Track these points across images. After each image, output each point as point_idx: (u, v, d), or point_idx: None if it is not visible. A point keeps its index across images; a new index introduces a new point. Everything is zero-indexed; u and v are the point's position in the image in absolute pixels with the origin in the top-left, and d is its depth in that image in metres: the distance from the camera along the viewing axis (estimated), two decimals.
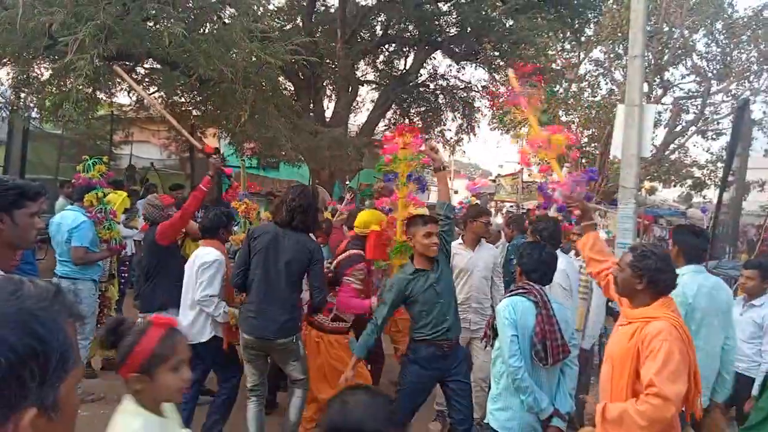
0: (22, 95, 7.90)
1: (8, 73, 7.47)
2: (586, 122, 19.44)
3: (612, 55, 18.78)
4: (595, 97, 19.61)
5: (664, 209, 18.83)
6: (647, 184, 20.43)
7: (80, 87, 5.89)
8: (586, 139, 20.32)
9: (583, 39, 13.46)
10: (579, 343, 3.89)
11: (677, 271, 3.21)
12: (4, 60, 7.01)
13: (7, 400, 0.61)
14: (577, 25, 11.63)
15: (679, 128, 20.01)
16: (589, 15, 11.72)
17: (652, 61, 17.39)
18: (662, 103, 19.53)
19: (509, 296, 3.10)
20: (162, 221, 4.49)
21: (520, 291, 3.06)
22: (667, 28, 17.78)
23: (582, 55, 19.31)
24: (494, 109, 13.52)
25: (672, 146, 20.14)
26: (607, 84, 19.65)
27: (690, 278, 3.36)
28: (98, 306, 5.37)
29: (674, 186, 21.74)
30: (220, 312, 3.91)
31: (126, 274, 7.22)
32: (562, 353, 2.95)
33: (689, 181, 20.87)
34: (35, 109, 8.53)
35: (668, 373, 2.30)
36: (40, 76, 7.54)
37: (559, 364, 3.02)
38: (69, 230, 4.73)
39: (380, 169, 4.51)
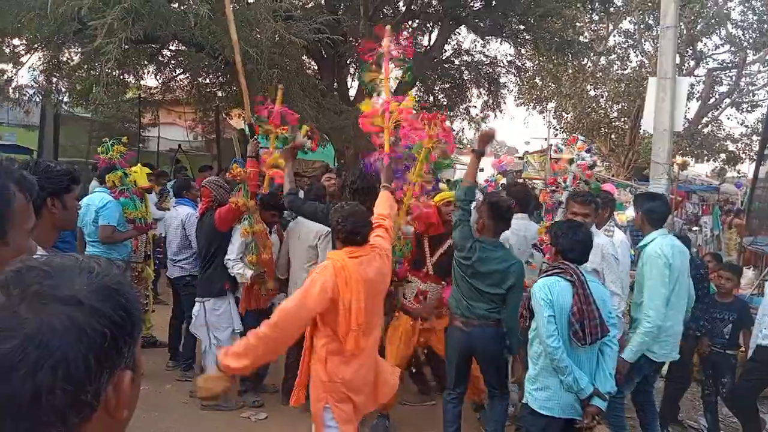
0: (54, 80, 8.06)
1: (40, 59, 7.61)
2: (616, 96, 19.06)
3: (642, 26, 18.25)
4: (624, 70, 19.18)
5: (696, 185, 18.37)
6: (679, 159, 19.92)
7: (109, 71, 5.97)
8: (615, 114, 19.92)
9: (612, 10, 13.06)
10: (618, 321, 3.80)
11: (647, 237, 3.67)
12: (36, 45, 7.14)
13: (110, 366, 0.69)
14: None
15: (712, 101, 19.47)
16: None
17: (685, 32, 16.86)
18: (695, 75, 18.98)
19: (545, 276, 3.07)
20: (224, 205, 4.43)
21: (556, 271, 3.02)
22: None
23: (611, 27, 18.82)
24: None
25: (705, 119, 19.64)
26: (637, 56, 19.18)
27: (663, 240, 3.62)
28: (134, 286, 5.52)
29: (707, 161, 21.26)
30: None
31: (160, 255, 7.37)
32: (600, 332, 2.92)
33: (723, 156, 20.38)
34: (66, 94, 8.70)
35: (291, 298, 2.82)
36: (70, 61, 7.67)
37: (597, 344, 2.99)
38: (96, 210, 4.84)
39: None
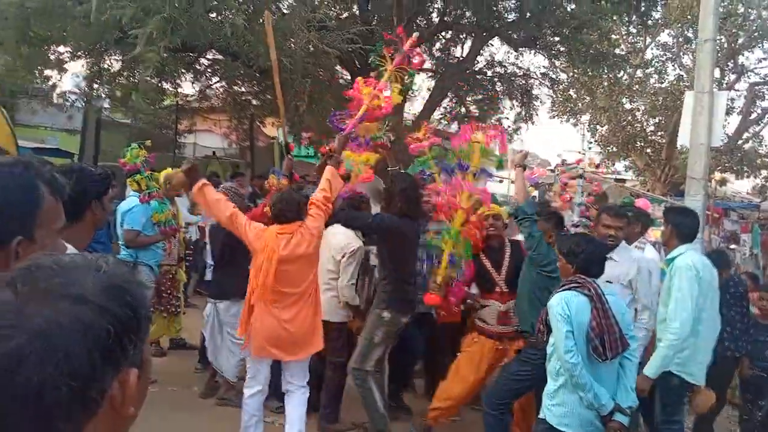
0: (95, 86, 8.33)
1: (83, 66, 7.88)
2: (652, 110, 18.68)
3: (681, 39, 17.89)
4: (662, 83, 18.80)
5: (736, 201, 17.83)
6: (718, 175, 19.41)
7: (148, 78, 6.15)
8: (651, 127, 19.52)
9: (649, 22, 12.85)
10: (647, 335, 3.74)
11: (675, 250, 3.62)
12: (79, 53, 7.40)
13: (115, 363, 0.70)
14: (643, 8, 11.10)
15: (754, 116, 18.92)
16: None
17: (725, 45, 16.46)
18: (735, 89, 18.49)
19: (561, 291, 3.00)
20: (243, 211, 4.52)
21: (573, 285, 2.97)
22: (742, 9, 16.74)
23: (648, 40, 18.49)
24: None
25: (746, 135, 19.08)
26: (675, 69, 18.78)
27: (694, 254, 3.63)
28: (167, 288, 5.61)
29: (747, 177, 20.59)
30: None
31: (191, 259, 7.49)
32: (621, 346, 2.86)
33: (765, 172, 19.75)
34: (107, 100, 8.98)
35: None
36: (111, 68, 7.92)
37: (617, 358, 2.93)
38: (122, 214, 4.96)
39: (433, 156, 4.47)
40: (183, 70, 9.44)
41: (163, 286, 5.53)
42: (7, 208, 1.09)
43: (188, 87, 11.09)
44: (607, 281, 3.77)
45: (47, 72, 7.96)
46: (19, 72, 6.70)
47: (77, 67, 7.97)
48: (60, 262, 0.74)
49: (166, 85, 9.17)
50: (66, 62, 7.66)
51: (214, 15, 6.68)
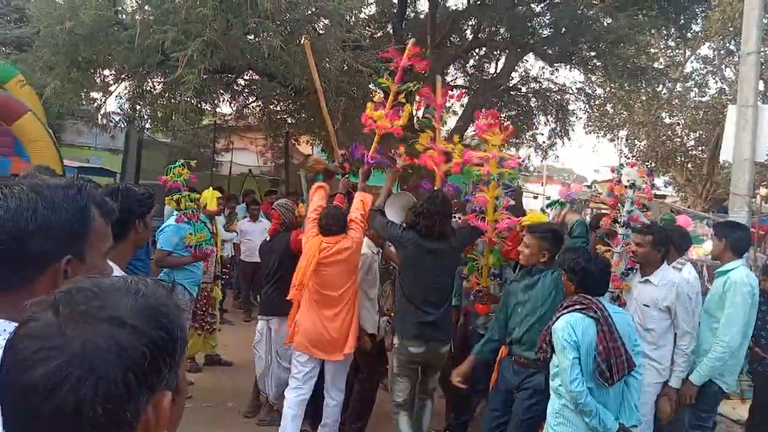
0: (138, 107, 8.61)
1: (126, 88, 8.16)
2: (693, 124, 18.23)
3: (722, 52, 17.47)
4: (702, 97, 18.36)
5: None
6: (762, 191, 18.71)
7: (188, 99, 6.32)
8: (692, 142, 19.05)
9: (689, 35, 12.60)
10: (688, 359, 3.65)
11: (729, 264, 3.66)
12: (123, 75, 7.68)
13: (150, 386, 0.71)
14: (683, 21, 10.91)
15: None
16: (697, 10, 10.95)
17: None
18: None
19: (566, 313, 2.87)
20: (294, 227, 4.57)
21: (578, 307, 2.84)
22: None
23: (688, 53, 18.12)
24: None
25: None
26: (716, 83, 18.33)
27: (748, 271, 3.71)
28: (203, 306, 5.68)
29: None
30: None
31: (227, 276, 7.58)
32: (627, 368, 2.78)
33: None
34: (148, 120, 9.27)
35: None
36: (153, 90, 8.18)
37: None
38: (157, 233, 4.96)
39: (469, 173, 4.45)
40: (221, 91, 9.69)
41: (198, 303, 5.59)
42: (59, 226, 1.13)
43: (226, 107, 11.37)
44: (645, 305, 3.68)
45: (93, 94, 8.27)
46: (67, 94, 6.97)
47: (121, 89, 8.26)
48: (100, 284, 0.76)
49: (205, 106, 9.42)
50: (111, 84, 7.95)
51: (251, 37, 6.85)
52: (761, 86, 15.84)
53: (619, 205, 3.93)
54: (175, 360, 0.75)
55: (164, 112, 8.30)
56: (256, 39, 6.84)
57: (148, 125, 9.86)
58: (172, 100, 7.76)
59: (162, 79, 7.94)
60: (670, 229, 4.24)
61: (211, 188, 5.90)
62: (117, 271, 1.76)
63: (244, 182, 13.72)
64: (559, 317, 2.90)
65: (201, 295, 5.59)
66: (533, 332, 3.35)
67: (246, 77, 9.87)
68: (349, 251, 3.93)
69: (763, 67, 14.09)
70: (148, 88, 8.16)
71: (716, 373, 3.58)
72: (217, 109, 11.05)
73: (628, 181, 3.87)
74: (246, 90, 10.61)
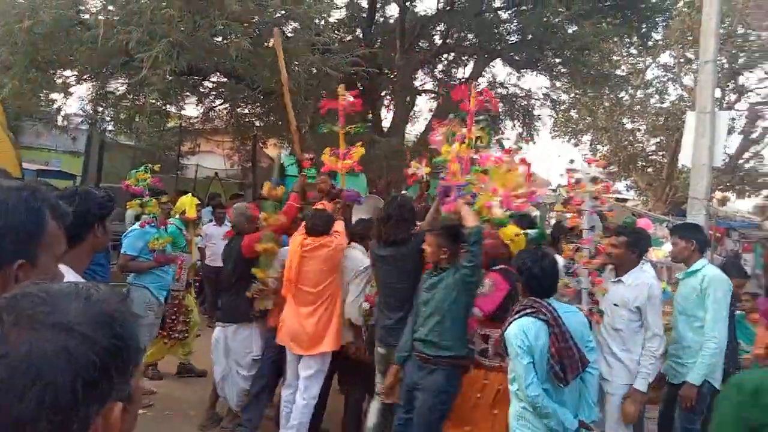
0: (100, 109, 8.41)
1: (88, 89, 7.97)
2: (654, 129, 18.77)
3: (681, 60, 18.04)
4: (663, 103, 18.92)
5: (737, 221, 17.77)
6: (719, 195, 19.39)
7: (152, 101, 6.21)
8: (653, 147, 19.61)
9: (650, 44, 12.98)
10: (657, 362, 3.67)
11: (696, 264, 3.75)
12: (86, 76, 7.49)
13: (100, 395, 0.67)
14: (644, 30, 11.23)
15: (755, 135, 18.98)
16: (658, 19, 11.29)
17: (726, 66, 16.59)
18: (736, 109, 18.55)
19: (517, 318, 2.83)
20: (249, 232, 4.43)
21: (528, 311, 2.81)
22: (742, 30, 16.90)
23: (649, 61, 18.65)
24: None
25: (747, 154, 19.11)
26: (676, 90, 18.91)
27: (714, 268, 3.84)
28: (174, 313, 5.53)
29: (749, 197, 20.59)
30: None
31: (199, 282, 7.41)
32: (581, 366, 2.80)
33: (766, 191, 19.75)
34: (111, 122, 9.07)
35: None
36: (116, 91, 8.01)
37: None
38: (122, 238, 4.88)
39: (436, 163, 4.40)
40: (187, 93, 9.55)
41: (168, 311, 5.44)
42: (11, 230, 1.09)
43: (192, 109, 11.20)
44: (615, 304, 3.68)
45: (53, 95, 8.04)
46: (25, 95, 6.76)
47: (82, 90, 8.07)
48: (48, 290, 0.72)
49: (171, 108, 9.26)
50: (71, 85, 7.74)
51: (219, 39, 6.77)
52: (718, 93, 16.43)
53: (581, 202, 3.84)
54: (127, 369, 0.71)
55: (128, 114, 8.14)
56: (224, 41, 6.76)
57: (110, 127, 9.64)
58: (136, 102, 7.61)
59: (126, 81, 7.78)
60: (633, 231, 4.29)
61: (190, 195, 5.71)
62: (73, 276, 1.70)
63: (209, 186, 13.52)
64: (511, 323, 2.85)
65: (171, 303, 5.45)
66: (434, 331, 3.30)
67: (213, 79, 9.75)
68: (327, 250, 4.01)
69: (720, 75, 14.61)
70: (112, 90, 7.98)
71: (710, 371, 3.60)
72: (183, 112, 10.88)
73: (586, 175, 3.81)
74: (213, 92, 10.48)
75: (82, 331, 0.67)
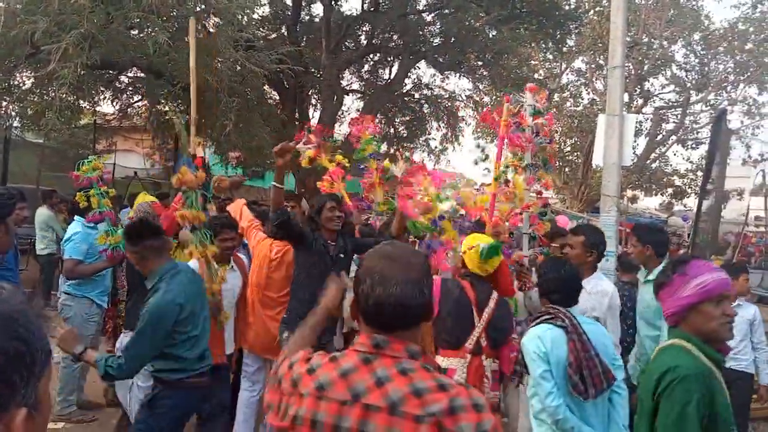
0: (4, 104, 7.83)
1: None
2: (569, 131, 19.77)
3: (593, 66, 19.11)
4: (577, 106, 19.96)
5: (645, 217, 19.04)
6: (629, 193, 20.71)
7: (63, 96, 5.85)
8: (568, 148, 20.62)
9: (564, 49, 13.66)
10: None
11: (656, 271, 3.42)
12: None
13: (2, 400, 0.63)
14: (558, 36, 11.81)
15: (659, 137, 20.37)
16: (571, 26, 11.90)
17: (633, 72, 17.72)
18: (643, 113, 19.86)
19: (534, 325, 2.69)
20: None
21: (545, 318, 2.66)
22: (646, 39, 18.13)
23: (564, 66, 19.63)
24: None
25: (653, 155, 20.49)
26: (588, 94, 20.01)
27: None
28: (113, 323, 5.07)
29: (656, 194, 22.08)
30: None
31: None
32: (605, 381, 2.54)
33: (670, 190, 21.23)
34: (17, 118, 8.46)
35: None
36: (22, 85, 7.48)
37: (605, 393, 2.61)
38: (63, 242, 4.41)
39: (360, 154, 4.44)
40: (102, 88, 9.08)
41: (111, 320, 4.95)
42: None
43: (107, 105, 10.65)
44: None
45: None
46: None
47: None
48: None
49: (83, 103, 8.76)
50: None
51: (135, 32, 6.48)
52: (626, 97, 17.52)
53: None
54: (33, 373, 0.67)
55: (36, 110, 7.61)
56: (141, 34, 6.48)
57: (16, 123, 8.99)
58: (45, 97, 7.14)
59: (32, 74, 7.28)
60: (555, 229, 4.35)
61: (144, 192, 5.02)
62: None
63: (128, 186, 12.92)
64: (528, 331, 2.71)
65: (115, 311, 4.93)
66: None
67: (130, 74, 9.32)
68: (293, 254, 4.03)
69: (628, 80, 15.59)
70: (17, 83, 7.45)
71: None
72: (98, 108, 10.32)
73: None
74: (130, 88, 10.02)
75: None
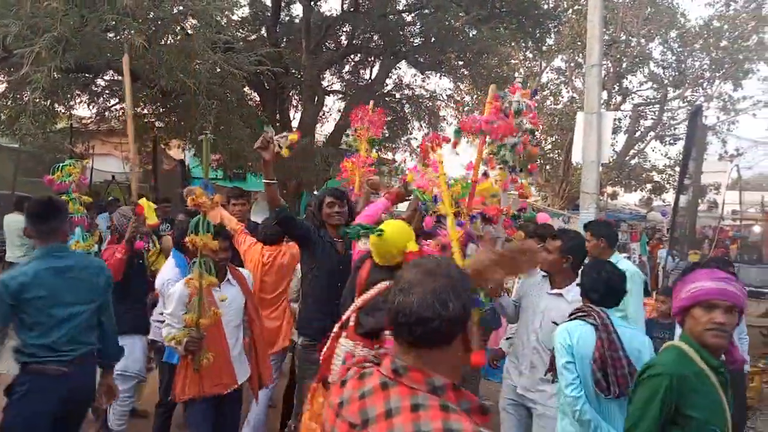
0: None
1: None
2: (549, 129, 19.93)
3: (572, 64, 19.30)
4: (557, 104, 20.13)
5: (625, 213, 19.30)
6: (609, 189, 20.92)
7: (37, 100, 5.75)
8: (549, 146, 20.79)
9: (544, 48, 13.77)
10: None
11: (612, 258, 3.68)
12: None
13: None
14: (538, 35, 11.89)
15: (638, 134, 20.63)
16: (550, 25, 12.00)
17: (611, 70, 17.94)
18: (622, 110, 20.12)
19: (568, 321, 2.80)
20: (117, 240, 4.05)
21: (579, 314, 2.76)
22: (624, 37, 18.35)
23: (543, 64, 19.79)
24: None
25: (632, 152, 20.76)
26: (568, 92, 20.19)
27: (627, 262, 3.95)
28: None
29: (635, 190, 22.39)
30: None
31: None
32: (631, 382, 2.49)
33: (649, 186, 21.52)
34: None
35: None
36: None
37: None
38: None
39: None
40: (78, 92, 8.94)
41: None
42: None
43: (84, 109, 10.48)
44: (554, 322, 3.19)
45: None
46: None
47: None
48: None
49: (59, 107, 8.61)
50: None
51: (111, 35, 6.38)
52: (605, 95, 17.75)
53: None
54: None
55: (9, 114, 7.46)
56: (117, 37, 6.39)
57: None
58: (19, 101, 7.01)
59: (5, 78, 7.14)
60: (536, 225, 4.39)
61: (144, 198, 4.78)
62: None
63: (107, 190, 12.73)
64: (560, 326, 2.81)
65: None
66: None
67: (106, 77, 9.18)
68: (286, 257, 4.22)
69: (606, 78, 15.78)
70: None
71: None
72: (74, 112, 10.15)
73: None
74: (107, 91, 9.87)
75: None
